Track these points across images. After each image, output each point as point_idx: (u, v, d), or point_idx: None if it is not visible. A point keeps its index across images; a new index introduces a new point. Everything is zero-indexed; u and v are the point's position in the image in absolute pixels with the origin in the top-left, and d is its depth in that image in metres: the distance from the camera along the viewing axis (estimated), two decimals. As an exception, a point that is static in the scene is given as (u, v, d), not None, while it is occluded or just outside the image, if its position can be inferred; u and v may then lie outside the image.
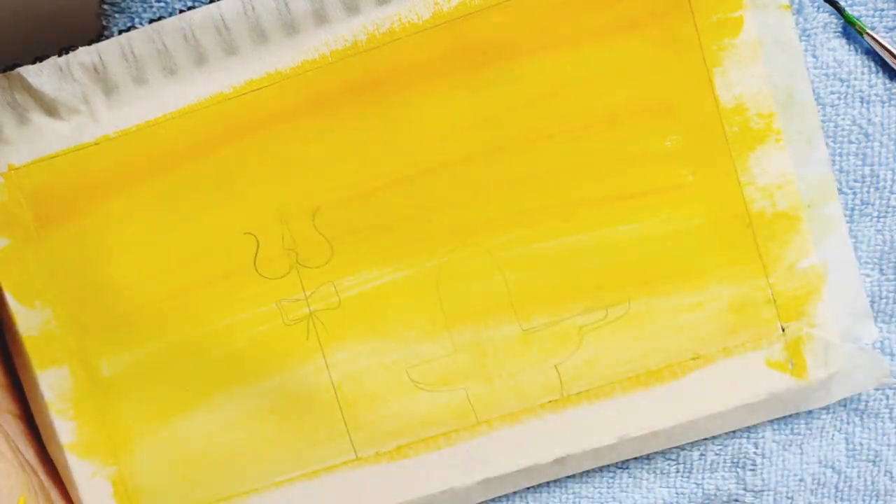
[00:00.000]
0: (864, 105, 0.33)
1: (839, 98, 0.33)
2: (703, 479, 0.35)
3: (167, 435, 0.33)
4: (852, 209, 0.33)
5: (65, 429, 0.32)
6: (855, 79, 0.33)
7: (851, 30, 0.32)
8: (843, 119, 0.33)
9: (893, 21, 0.32)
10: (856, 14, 0.32)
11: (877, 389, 0.34)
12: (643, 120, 0.31)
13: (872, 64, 0.33)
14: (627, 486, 0.35)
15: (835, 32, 0.32)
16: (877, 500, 0.35)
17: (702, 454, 0.34)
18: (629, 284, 0.32)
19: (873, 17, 0.32)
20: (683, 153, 0.31)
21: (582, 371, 0.32)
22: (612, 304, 0.32)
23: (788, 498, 0.35)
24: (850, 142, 0.33)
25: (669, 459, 0.34)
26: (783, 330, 0.32)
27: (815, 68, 0.32)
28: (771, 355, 0.32)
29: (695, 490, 0.35)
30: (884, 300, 0.34)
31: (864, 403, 0.34)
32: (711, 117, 0.31)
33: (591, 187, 0.32)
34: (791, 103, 0.31)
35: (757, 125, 0.31)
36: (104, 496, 0.33)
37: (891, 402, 0.34)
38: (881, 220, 0.33)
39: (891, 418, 0.34)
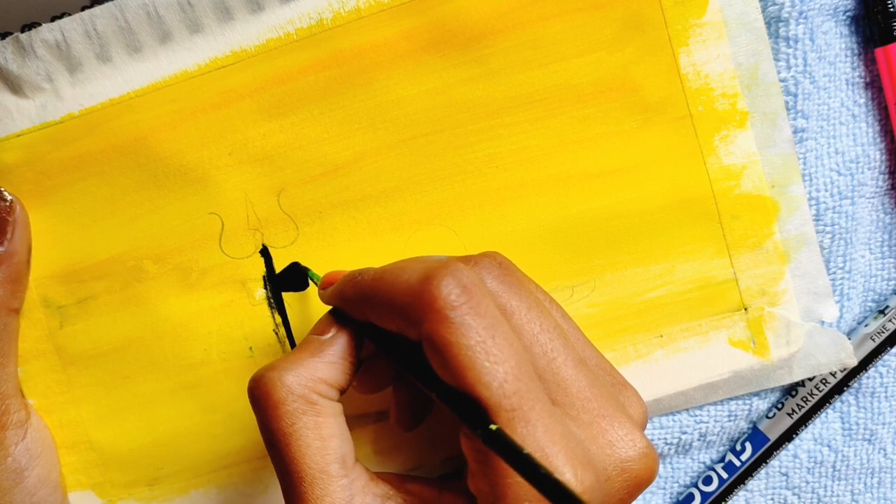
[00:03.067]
0: (850, 87, 0.33)
1: (830, 80, 0.33)
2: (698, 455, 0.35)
3: (135, 415, 0.33)
4: (852, 189, 0.33)
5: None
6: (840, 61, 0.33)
7: (842, 13, 0.32)
8: (834, 101, 0.33)
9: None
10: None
11: (873, 368, 0.34)
12: (609, 99, 0.31)
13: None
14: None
15: (829, 15, 0.32)
16: (872, 478, 0.35)
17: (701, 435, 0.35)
18: (595, 264, 0.32)
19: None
20: (649, 133, 0.32)
21: (548, 350, 0.32)
22: (578, 284, 0.32)
23: (784, 475, 0.35)
24: (842, 123, 0.33)
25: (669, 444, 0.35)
26: (746, 309, 0.32)
27: (812, 51, 0.32)
28: (734, 334, 0.32)
29: (690, 464, 0.35)
30: (874, 278, 0.34)
31: (859, 382, 0.35)
32: (677, 97, 0.31)
33: (557, 166, 0.32)
34: (755, 84, 0.31)
35: (722, 105, 0.31)
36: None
37: (885, 380, 0.35)
38: (871, 200, 0.34)
39: (886, 397, 0.35)
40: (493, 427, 0.22)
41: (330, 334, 0.26)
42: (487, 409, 0.22)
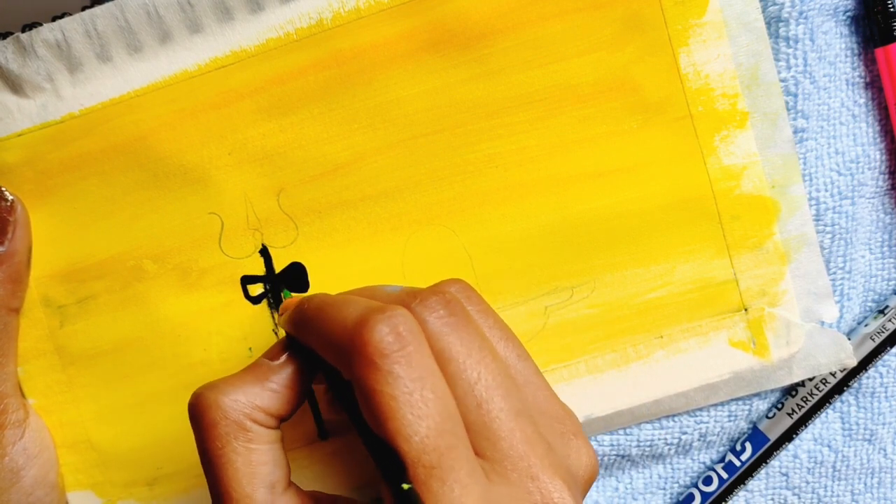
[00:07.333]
0: (850, 87, 0.33)
1: (830, 80, 0.33)
2: (699, 455, 0.35)
3: (135, 415, 0.33)
4: (852, 189, 0.33)
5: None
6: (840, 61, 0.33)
7: (842, 13, 0.32)
8: (834, 101, 0.33)
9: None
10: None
11: (872, 368, 0.34)
12: (609, 100, 0.31)
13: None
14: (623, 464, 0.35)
15: (829, 15, 0.32)
16: (872, 478, 0.35)
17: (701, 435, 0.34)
18: (594, 264, 0.32)
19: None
20: (649, 133, 0.32)
21: (547, 351, 0.32)
22: (578, 285, 0.32)
23: (784, 475, 0.35)
24: (842, 123, 0.33)
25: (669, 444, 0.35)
26: (746, 310, 0.32)
27: (812, 51, 0.32)
28: (734, 335, 0.32)
29: (690, 465, 0.35)
30: (874, 278, 0.34)
31: (859, 382, 0.35)
32: (677, 97, 0.31)
33: (557, 167, 0.32)
34: (756, 84, 0.31)
35: (722, 106, 0.31)
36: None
37: (885, 380, 0.35)
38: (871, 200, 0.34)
39: (886, 397, 0.35)
40: (404, 486, 0.22)
41: (279, 361, 0.26)
42: (405, 463, 0.22)
